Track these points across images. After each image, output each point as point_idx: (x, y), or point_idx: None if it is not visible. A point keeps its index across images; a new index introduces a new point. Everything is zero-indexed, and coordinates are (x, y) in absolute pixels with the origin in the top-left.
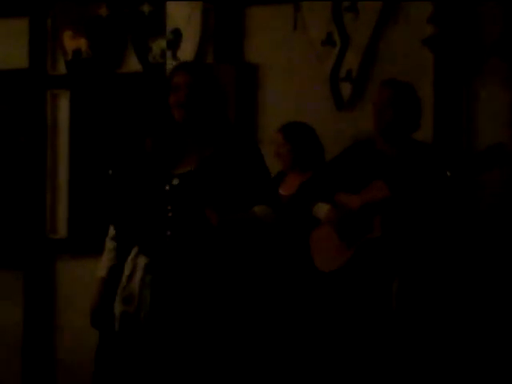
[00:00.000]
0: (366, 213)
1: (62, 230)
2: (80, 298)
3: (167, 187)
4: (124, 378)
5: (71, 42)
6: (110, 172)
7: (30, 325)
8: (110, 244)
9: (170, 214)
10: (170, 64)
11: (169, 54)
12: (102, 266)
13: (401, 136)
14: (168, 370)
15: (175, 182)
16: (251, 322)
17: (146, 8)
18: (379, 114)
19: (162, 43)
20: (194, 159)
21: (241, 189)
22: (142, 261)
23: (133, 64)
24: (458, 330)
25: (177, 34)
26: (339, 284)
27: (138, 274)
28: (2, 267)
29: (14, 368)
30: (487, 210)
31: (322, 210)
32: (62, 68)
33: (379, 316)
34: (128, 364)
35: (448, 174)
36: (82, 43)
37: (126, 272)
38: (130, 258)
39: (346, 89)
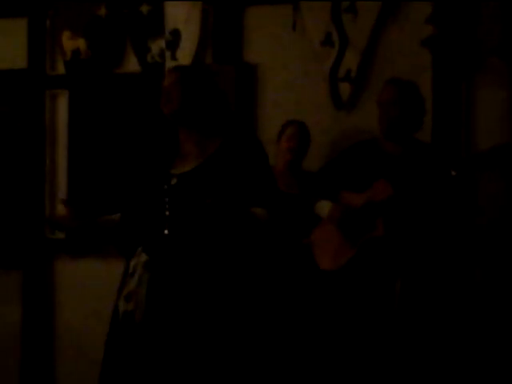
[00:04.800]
0: (369, 211)
1: None
2: (79, 298)
3: (166, 187)
4: (124, 377)
5: (70, 43)
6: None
7: (29, 324)
8: None
9: (167, 213)
10: (169, 64)
11: (168, 54)
12: None
13: (405, 135)
14: (164, 369)
15: (173, 181)
16: (249, 321)
17: (144, 8)
18: (384, 112)
19: (160, 43)
20: (194, 159)
21: (238, 190)
22: (142, 259)
23: (132, 64)
24: (460, 329)
25: (176, 35)
26: (341, 283)
27: (138, 272)
28: (0, 267)
29: (11, 368)
30: (489, 209)
31: (326, 206)
32: (60, 68)
33: (381, 316)
34: (129, 362)
35: (453, 173)
36: (80, 43)
37: (130, 269)
38: (135, 256)
39: (345, 89)
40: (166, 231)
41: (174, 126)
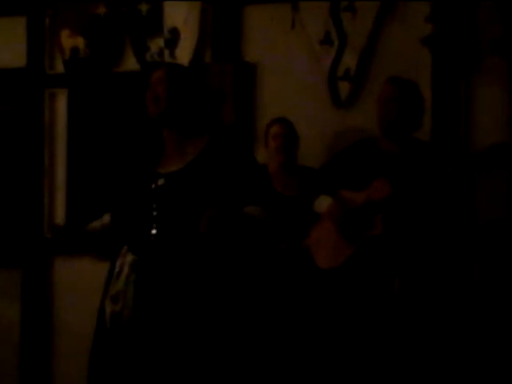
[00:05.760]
0: (368, 210)
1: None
2: (77, 297)
3: (153, 186)
4: (113, 376)
5: (69, 41)
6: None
7: (28, 322)
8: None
9: (154, 213)
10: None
11: (167, 52)
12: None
13: (403, 134)
14: (152, 369)
15: (161, 181)
16: (238, 319)
17: (143, 7)
18: (383, 110)
19: (159, 42)
20: (181, 159)
21: (229, 189)
22: (128, 259)
23: (130, 63)
24: (458, 328)
25: (175, 33)
26: (340, 282)
27: (124, 272)
28: (0, 265)
29: (10, 366)
30: (488, 209)
31: (325, 203)
32: (59, 67)
33: (380, 314)
34: (117, 363)
35: (450, 169)
36: (79, 42)
37: (116, 269)
38: (120, 255)
39: (344, 88)
40: (153, 231)
41: (159, 125)
